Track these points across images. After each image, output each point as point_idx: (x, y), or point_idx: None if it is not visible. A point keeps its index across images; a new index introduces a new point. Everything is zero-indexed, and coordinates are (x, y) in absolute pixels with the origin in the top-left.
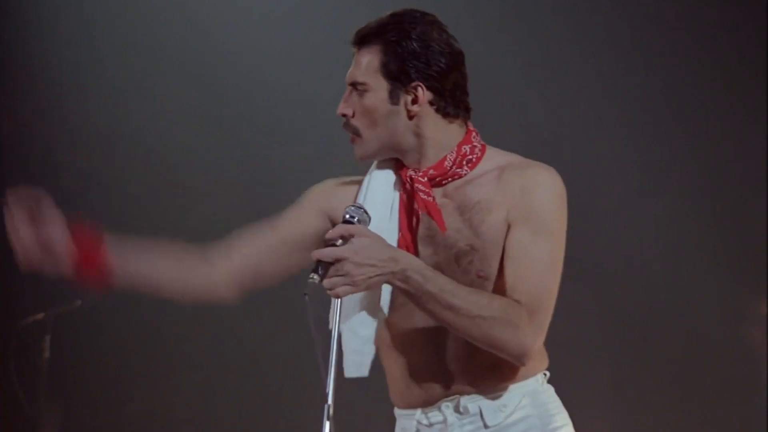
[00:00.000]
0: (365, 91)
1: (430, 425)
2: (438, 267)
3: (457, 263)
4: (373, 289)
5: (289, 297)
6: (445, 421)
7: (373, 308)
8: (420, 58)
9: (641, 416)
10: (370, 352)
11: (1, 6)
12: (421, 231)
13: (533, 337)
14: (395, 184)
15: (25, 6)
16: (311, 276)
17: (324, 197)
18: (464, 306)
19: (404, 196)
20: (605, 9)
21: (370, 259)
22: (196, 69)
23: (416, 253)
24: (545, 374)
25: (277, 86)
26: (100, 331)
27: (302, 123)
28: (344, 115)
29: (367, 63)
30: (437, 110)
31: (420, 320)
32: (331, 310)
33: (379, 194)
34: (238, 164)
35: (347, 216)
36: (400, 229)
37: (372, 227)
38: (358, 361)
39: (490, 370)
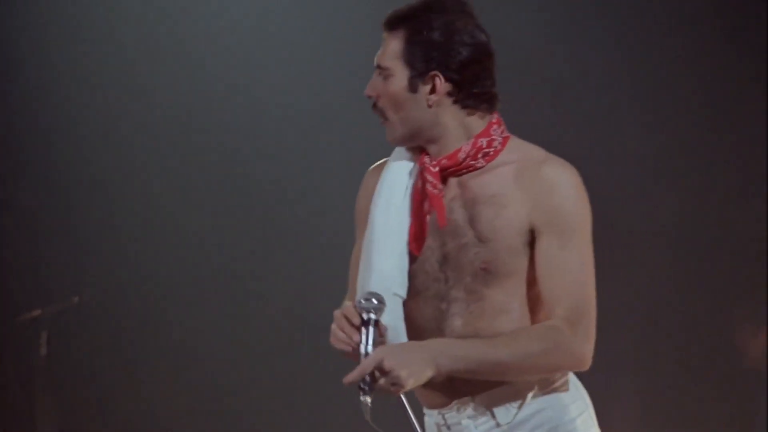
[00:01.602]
0: (388, 75)
1: (448, 426)
2: (446, 257)
3: (464, 254)
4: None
5: (289, 296)
6: (460, 423)
7: (389, 297)
8: (441, 49)
9: (639, 415)
10: (391, 339)
11: None
12: (432, 220)
13: (582, 345)
14: (413, 170)
15: (14, 9)
16: (362, 399)
17: (365, 202)
18: (508, 360)
19: (419, 184)
20: (607, 7)
21: (404, 360)
22: (189, 71)
23: (422, 242)
24: None
25: (272, 88)
26: (97, 327)
27: (297, 126)
28: (369, 97)
29: (392, 48)
30: (455, 101)
31: (426, 309)
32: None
33: (397, 180)
34: (231, 167)
35: (363, 316)
36: (411, 217)
37: (386, 214)
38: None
39: None
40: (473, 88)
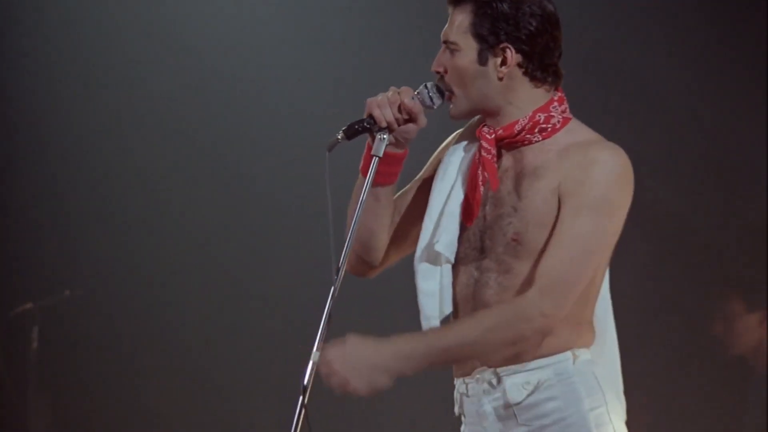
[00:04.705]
0: (455, 50)
1: (469, 396)
2: (487, 227)
3: (500, 224)
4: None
5: (284, 294)
6: (477, 393)
7: (435, 260)
8: (510, 20)
9: (639, 413)
10: (431, 305)
11: None
12: (485, 191)
13: (545, 314)
14: (473, 144)
15: (9, 11)
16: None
17: (438, 156)
18: (458, 343)
19: (476, 156)
20: (606, 3)
21: (354, 370)
22: (184, 73)
23: (477, 211)
24: (583, 351)
25: (267, 90)
26: (88, 321)
27: (292, 127)
28: (437, 72)
29: (459, 23)
30: (525, 73)
31: (464, 276)
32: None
33: (458, 151)
34: (224, 162)
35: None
36: (467, 187)
37: (443, 183)
38: (424, 314)
39: None
40: (543, 59)
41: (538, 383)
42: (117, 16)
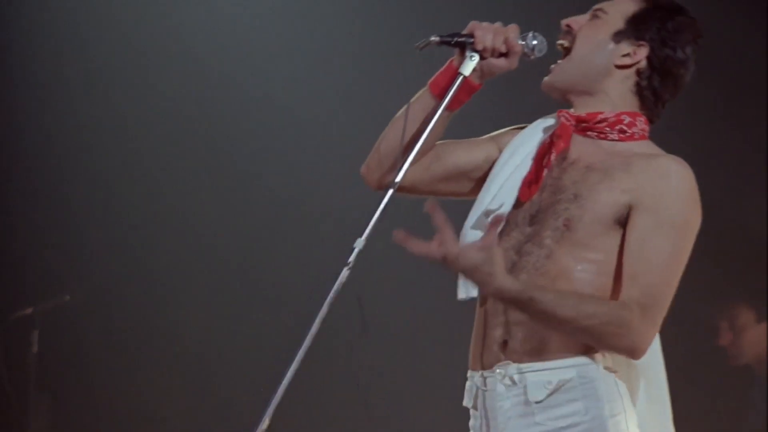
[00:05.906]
0: (600, 17)
1: (486, 390)
2: (538, 212)
3: (554, 207)
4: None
5: (285, 296)
6: (495, 389)
7: (484, 228)
8: (662, 33)
9: None
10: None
11: None
12: (546, 177)
13: (644, 334)
14: (550, 128)
15: (12, 9)
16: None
17: (507, 133)
18: (570, 315)
19: (548, 140)
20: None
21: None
22: (186, 72)
23: (536, 189)
24: (607, 356)
25: (269, 90)
26: (88, 325)
27: (294, 127)
28: (568, 26)
29: (623, 5)
30: (637, 82)
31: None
32: None
33: (535, 134)
34: (222, 164)
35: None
36: (533, 163)
37: (513, 158)
38: (463, 282)
39: (541, 329)
40: (660, 86)
41: (559, 383)
42: (121, 17)
